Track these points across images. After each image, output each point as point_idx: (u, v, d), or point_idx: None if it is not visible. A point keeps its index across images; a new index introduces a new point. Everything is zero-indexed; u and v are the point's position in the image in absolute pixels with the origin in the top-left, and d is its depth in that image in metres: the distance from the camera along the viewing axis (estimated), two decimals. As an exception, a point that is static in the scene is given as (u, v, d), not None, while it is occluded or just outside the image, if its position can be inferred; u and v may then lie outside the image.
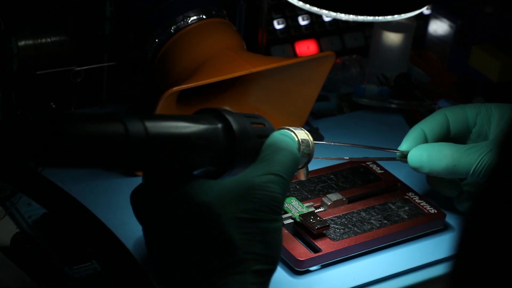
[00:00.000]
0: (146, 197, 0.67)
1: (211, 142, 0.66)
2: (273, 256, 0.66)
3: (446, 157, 0.85)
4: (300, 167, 0.75)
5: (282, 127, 0.75)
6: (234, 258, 0.64)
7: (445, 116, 0.89)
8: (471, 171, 0.84)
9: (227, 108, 0.72)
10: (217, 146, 0.67)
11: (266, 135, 0.70)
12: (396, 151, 0.88)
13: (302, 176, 0.77)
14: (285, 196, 0.68)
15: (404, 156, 0.87)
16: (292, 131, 0.74)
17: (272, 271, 0.66)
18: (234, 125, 0.67)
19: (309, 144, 0.75)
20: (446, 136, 0.88)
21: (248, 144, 0.68)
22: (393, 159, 0.89)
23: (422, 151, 0.86)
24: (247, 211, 0.65)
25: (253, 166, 0.67)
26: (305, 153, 0.75)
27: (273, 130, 0.71)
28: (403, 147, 0.88)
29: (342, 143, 0.89)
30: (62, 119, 0.58)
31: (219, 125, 0.67)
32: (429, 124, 0.89)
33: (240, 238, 0.64)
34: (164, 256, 0.66)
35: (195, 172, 0.67)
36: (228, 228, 0.64)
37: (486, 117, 0.88)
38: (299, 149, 0.74)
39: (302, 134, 0.75)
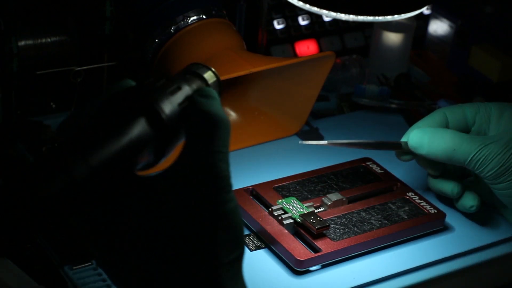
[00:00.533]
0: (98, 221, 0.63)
1: (144, 137, 0.62)
2: (239, 239, 0.63)
3: (447, 141, 0.86)
4: None
5: (187, 70, 0.68)
6: (205, 253, 0.61)
7: (444, 115, 0.89)
8: (469, 159, 0.84)
9: (130, 81, 0.66)
10: (148, 139, 0.63)
11: (185, 98, 0.65)
12: (396, 143, 0.89)
13: None
14: (230, 170, 0.63)
15: (402, 151, 0.88)
16: (200, 76, 0.68)
17: (241, 256, 0.63)
18: (163, 114, 0.63)
19: (220, 83, 0.69)
20: None
21: (174, 120, 0.64)
22: (396, 147, 0.89)
23: (424, 132, 0.87)
24: (202, 198, 0.61)
25: (190, 146, 0.63)
26: (217, 91, 0.68)
27: (188, 89, 0.65)
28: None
29: (339, 142, 0.89)
30: (12, 192, 0.57)
31: (144, 118, 0.63)
32: (427, 123, 0.89)
33: (204, 229, 0.61)
34: (130, 270, 0.63)
35: (136, 168, 0.64)
36: (190, 221, 0.61)
37: (485, 115, 0.88)
38: None
39: (211, 77, 0.68)
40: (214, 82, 0.68)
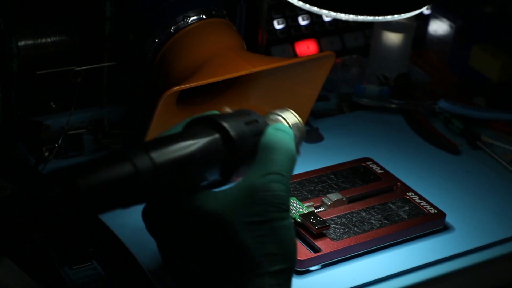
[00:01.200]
0: (157, 214, 0.68)
1: (213, 154, 0.67)
2: (289, 254, 0.67)
3: None
4: None
5: (270, 112, 0.75)
6: (250, 262, 0.65)
7: None
8: None
9: (215, 111, 0.73)
10: (219, 156, 0.68)
11: (261, 131, 0.71)
12: None
13: None
14: (289, 193, 0.68)
15: None
16: (281, 116, 0.75)
17: (290, 268, 0.67)
18: (232, 132, 0.68)
19: (300, 127, 0.76)
20: None
21: (247, 146, 0.69)
22: None
23: None
24: (255, 214, 0.66)
25: (253, 168, 0.68)
26: (297, 137, 0.75)
27: (266, 124, 0.71)
28: None
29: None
30: (74, 174, 0.59)
31: (217, 135, 0.68)
32: None
33: (252, 242, 0.65)
34: (182, 268, 0.67)
35: (202, 184, 0.68)
36: (239, 234, 0.65)
37: None
38: None
39: (292, 118, 0.75)
40: (295, 124, 0.75)
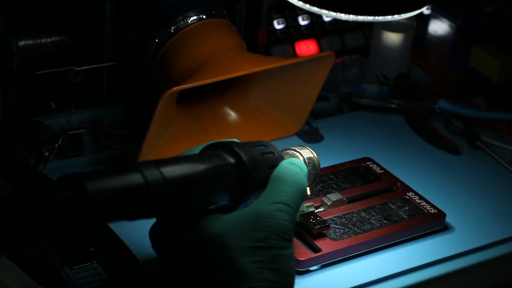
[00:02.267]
0: (162, 233, 0.70)
1: (225, 178, 0.68)
2: (286, 284, 0.68)
3: None
4: (307, 185, 0.79)
5: (288, 148, 0.78)
6: (247, 286, 0.66)
7: None
8: None
9: (235, 140, 0.75)
10: (230, 181, 0.69)
11: (275, 164, 0.72)
12: None
13: (308, 192, 0.80)
14: (294, 224, 0.69)
15: None
16: (297, 151, 0.77)
17: None
18: (246, 159, 0.69)
19: (315, 163, 0.78)
20: None
21: (260, 176, 0.70)
22: None
23: None
24: (256, 239, 0.67)
25: (261, 196, 0.69)
26: (312, 173, 0.79)
27: (281, 158, 0.73)
28: None
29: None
30: (83, 178, 0.59)
31: (232, 160, 0.69)
32: None
33: (251, 267, 0.66)
34: (181, 283, 0.69)
35: (211, 207, 0.68)
36: (240, 257, 0.66)
37: None
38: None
39: (308, 154, 0.78)
40: (311, 159, 0.78)
